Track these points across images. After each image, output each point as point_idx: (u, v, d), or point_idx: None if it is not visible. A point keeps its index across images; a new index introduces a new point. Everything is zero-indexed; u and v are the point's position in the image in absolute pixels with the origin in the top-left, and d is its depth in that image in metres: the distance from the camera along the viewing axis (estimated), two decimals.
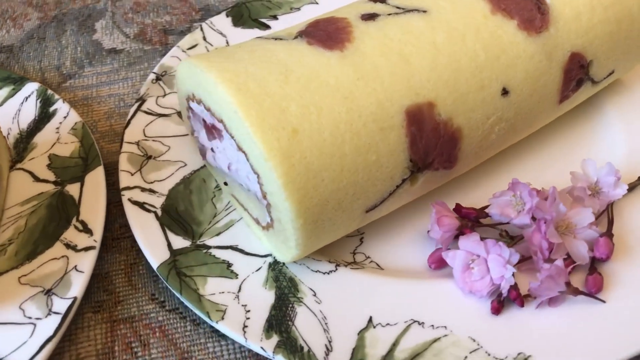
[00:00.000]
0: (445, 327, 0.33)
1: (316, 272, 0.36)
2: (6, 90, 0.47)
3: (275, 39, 0.37)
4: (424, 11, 0.37)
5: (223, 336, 0.35)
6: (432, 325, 0.33)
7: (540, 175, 0.42)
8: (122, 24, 0.56)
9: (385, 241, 0.38)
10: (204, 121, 0.37)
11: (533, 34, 0.37)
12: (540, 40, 0.37)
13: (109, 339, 0.35)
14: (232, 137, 0.33)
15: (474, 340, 0.33)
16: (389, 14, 0.37)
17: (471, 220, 0.36)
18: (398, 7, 0.37)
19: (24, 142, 0.44)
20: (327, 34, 0.36)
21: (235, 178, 0.36)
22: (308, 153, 0.31)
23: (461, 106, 0.35)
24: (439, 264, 0.36)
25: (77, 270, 0.36)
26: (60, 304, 0.34)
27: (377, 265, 0.37)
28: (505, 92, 0.36)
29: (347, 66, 0.34)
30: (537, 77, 0.37)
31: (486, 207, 0.37)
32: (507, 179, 0.41)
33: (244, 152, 0.33)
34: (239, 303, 0.34)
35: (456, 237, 0.36)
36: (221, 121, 0.34)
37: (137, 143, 0.43)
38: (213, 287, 0.35)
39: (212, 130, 0.37)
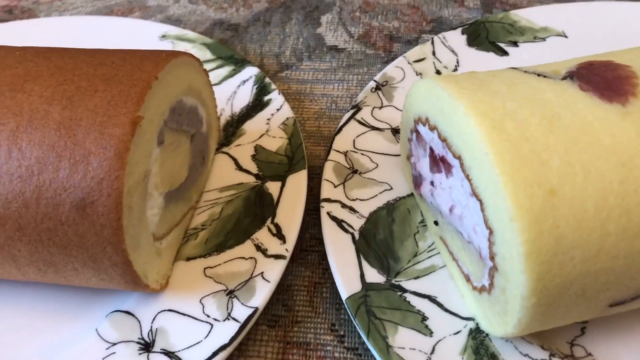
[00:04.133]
0: None
1: (525, 356, 0.30)
2: (227, 70, 0.47)
3: (538, 74, 0.31)
4: None
5: None
6: None
7: None
8: (348, 21, 0.53)
9: (612, 337, 0.32)
10: (431, 150, 0.33)
11: None
12: None
13: None
14: (468, 179, 0.29)
15: None
16: None
17: None
18: None
19: (234, 126, 0.43)
20: (605, 81, 0.30)
21: (454, 223, 0.32)
22: (563, 222, 0.26)
23: None
24: None
25: (263, 277, 0.33)
26: (241, 311, 0.32)
27: None
28: None
29: (629, 125, 0.27)
30: None
31: None
32: None
33: (479, 200, 0.28)
34: None
35: None
36: (459, 157, 0.29)
37: (345, 153, 0.40)
38: (404, 339, 0.30)
39: (438, 163, 0.33)
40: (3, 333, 0.33)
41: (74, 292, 0.35)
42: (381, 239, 0.35)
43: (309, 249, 0.37)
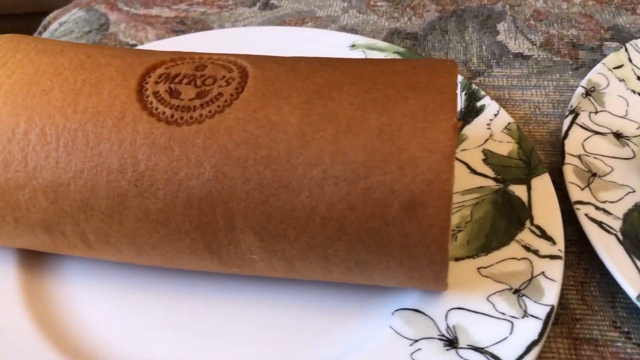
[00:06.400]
0: None
1: None
2: None
3: None
4: None
5: None
6: None
7: None
8: (525, 30, 0.55)
9: None
10: None
11: None
12: None
13: (573, 356, 0.33)
14: None
15: None
16: None
17: None
18: None
19: None
20: None
21: None
22: None
23: None
24: None
25: (545, 277, 0.34)
26: (536, 309, 0.33)
27: None
28: None
29: None
30: None
31: None
32: None
33: None
34: None
35: None
36: None
37: (579, 157, 0.41)
38: None
39: None
40: (299, 331, 0.35)
41: (349, 291, 0.36)
42: None
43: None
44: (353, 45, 0.52)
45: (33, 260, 0.39)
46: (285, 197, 0.31)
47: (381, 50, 0.51)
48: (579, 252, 0.38)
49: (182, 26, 0.59)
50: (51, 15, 0.69)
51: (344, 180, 0.30)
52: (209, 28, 0.59)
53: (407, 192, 0.30)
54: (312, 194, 0.31)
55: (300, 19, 0.59)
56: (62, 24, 0.63)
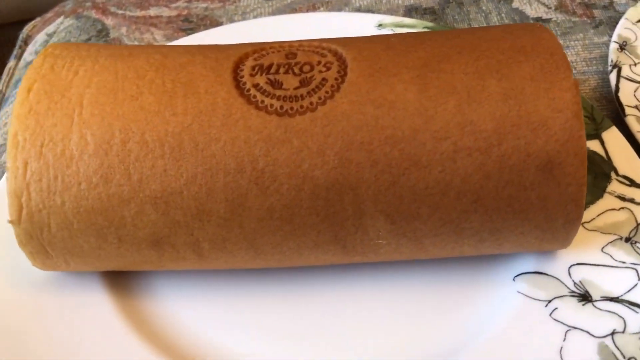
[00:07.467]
0: None
1: None
2: None
3: None
4: None
5: None
6: None
7: None
8: None
9: None
10: None
11: None
12: None
13: None
14: None
15: None
16: None
17: None
18: None
19: None
20: None
21: None
22: None
23: None
24: None
25: None
26: None
27: None
28: None
29: None
30: None
31: None
32: None
33: None
34: None
35: None
36: None
37: (636, 107, 0.43)
38: None
39: None
40: (425, 314, 0.34)
41: (457, 266, 0.36)
42: None
43: None
44: (380, 25, 0.51)
45: (119, 280, 0.36)
46: (416, 175, 0.30)
47: (410, 27, 0.51)
48: None
49: (188, 24, 0.57)
50: (28, 27, 0.64)
51: (477, 150, 0.30)
52: (218, 23, 0.56)
53: (543, 154, 0.30)
54: (445, 168, 0.30)
55: (311, 5, 0.57)
56: (50, 35, 0.58)
